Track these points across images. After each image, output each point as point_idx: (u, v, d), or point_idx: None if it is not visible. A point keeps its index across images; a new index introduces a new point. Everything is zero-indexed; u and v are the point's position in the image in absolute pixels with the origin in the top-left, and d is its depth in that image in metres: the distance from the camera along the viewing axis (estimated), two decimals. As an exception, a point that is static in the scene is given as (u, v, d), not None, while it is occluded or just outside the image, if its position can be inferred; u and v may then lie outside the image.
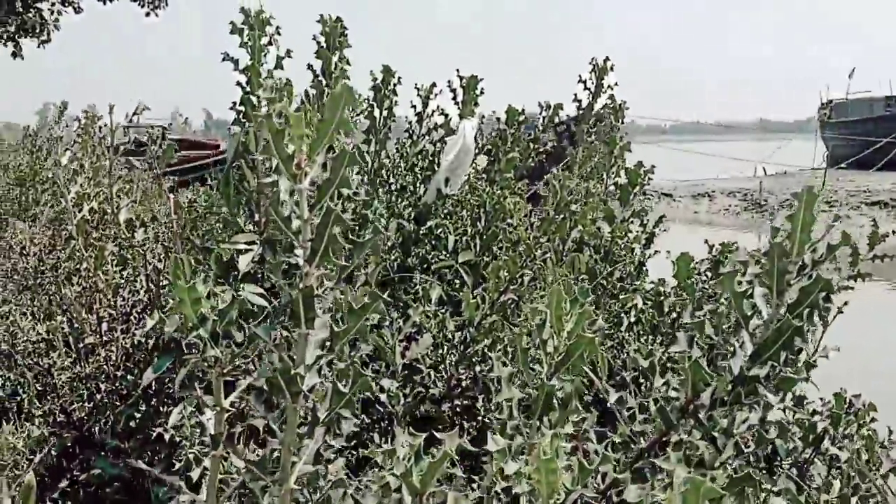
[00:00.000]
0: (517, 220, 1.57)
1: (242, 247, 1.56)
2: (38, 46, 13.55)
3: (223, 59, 1.64)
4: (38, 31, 13.25)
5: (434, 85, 2.17)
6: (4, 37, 13.39)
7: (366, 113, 2.01)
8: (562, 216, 1.71)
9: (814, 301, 0.88)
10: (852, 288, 2.19)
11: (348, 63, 1.91)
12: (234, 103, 1.69)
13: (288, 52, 1.69)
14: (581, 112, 3.13)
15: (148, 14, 14.24)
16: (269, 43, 1.62)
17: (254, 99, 1.63)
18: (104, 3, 13.54)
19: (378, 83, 2.10)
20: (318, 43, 1.90)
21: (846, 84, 28.57)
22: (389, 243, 1.79)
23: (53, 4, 13.11)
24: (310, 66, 1.96)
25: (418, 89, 2.20)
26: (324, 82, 1.92)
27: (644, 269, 2.12)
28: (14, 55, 13.50)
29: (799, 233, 0.81)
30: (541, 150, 2.63)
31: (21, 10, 12.67)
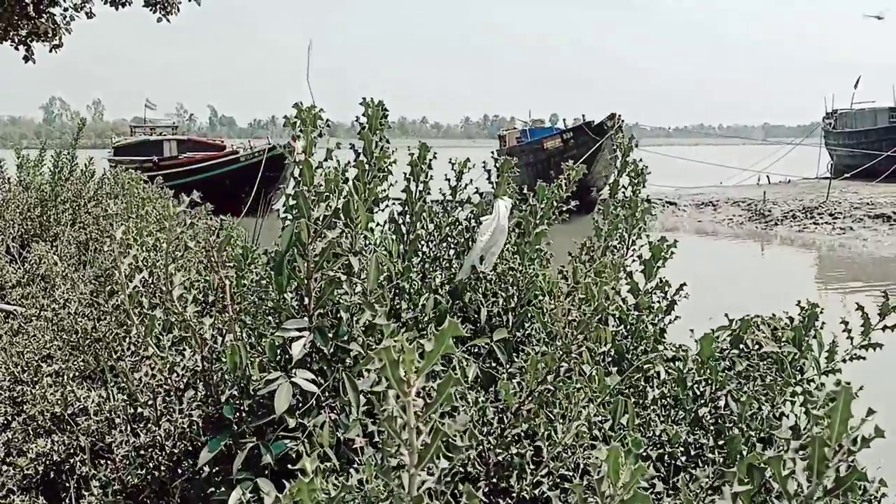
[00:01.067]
0: (556, 316, 1.65)
1: (294, 334, 1.65)
2: (50, 51, 13.62)
3: (273, 147, 1.72)
4: (50, 35, 13.30)
5: (468, 160, 2.27)
6: (16, 40, 13.45)
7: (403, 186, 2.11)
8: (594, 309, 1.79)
9: (849, 486, 0.96)
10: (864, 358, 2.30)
11: (388, 141, 2.01)
12: (288, 196, 1.78)
13: (338, 145, 1.78)
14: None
15: (160, 20, 14.27)
16: (320, 135, 1.71)
17: (306, 191, 1.71)
18: (116, 9, 13.64)
19: (415, 158, 2.20)
20: (361, 125, 1.99)
21: (851, 93, 28.71)
22: (426, 319, 1.89)
23: (66, 10, 13.16)
24: (352, 146, 2.05)
25: (452, 164, 2.29)
26: (366, 162, 2.01)
27: (665, 335, 2.20)
28: (26, 59, 13.57)
29: (837, 425, 0.88)
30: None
31: (34, 14, 12.72)
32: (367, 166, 2.02)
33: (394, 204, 2.20)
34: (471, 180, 2.30)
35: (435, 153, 2.19)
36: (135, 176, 6.10)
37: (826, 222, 17.77)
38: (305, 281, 1.72)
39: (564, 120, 28.36)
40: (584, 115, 31.63)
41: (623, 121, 23.38)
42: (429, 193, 2.20)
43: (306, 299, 1.72)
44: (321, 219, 1.72)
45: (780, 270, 14.89)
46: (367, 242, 1.87)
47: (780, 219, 18.94)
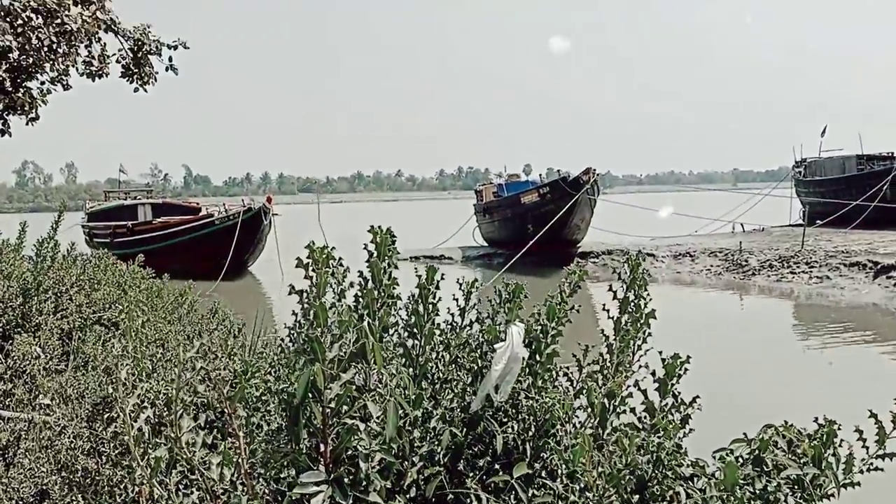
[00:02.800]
0: (585, 467, 1.61)
1: (313, 489, 1.59)
2: (27, 124, 13.54)
3: (290, 293, 1.70)
4: (26, 109, 13.25)
5: (476, 280, 2.25)
6: (-8, 114, 13.36)
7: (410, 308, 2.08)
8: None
9: None
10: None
11: (396, 267, 1.99)
12: (304, 342, 1.73)
13: (351, 284, 1.77)
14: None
15: (136, 90, 14.29)
16: (332, 274, 1.68)
17: (320, 333, 1.67)
18: (93, 80, 13.65)
19: (423, 281, 2.17)
20: (370, 252, 1.98)
21: (819, 142, 29.44)
22: (442, 451, 1.84)
23: (43, 83, 13.12)
24: (360, 273, 2.03)
25: (460, 284, 2.28)
26: (374, 289, 1.98)
27: (683, 451, 2.16)
28: (1, 133, 13.48)
29: None
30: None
31: (11, 89, 12.69)
32: (376, 295, 1.99)
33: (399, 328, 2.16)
34: (477, 294, 2.28)
35: (443, 275, 2.16)
36: (115, 264, 6.02)
37: (803, 271, 18.00)
38: (322, 429, 1.67)
39: (541, 176, 28.71)
40: (558, 170, 32.01)
41: (598, 174, 23.77)
42: (437, 314, 2.17)
43: (322, 446, 1.67)
44: (336, 361, 1.68)
45: (761, 321, 15.00)
46: (381, 377, 1.82)
47: (758, 268, 19.15)
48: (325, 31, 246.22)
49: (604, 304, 2.58)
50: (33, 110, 13.09)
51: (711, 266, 20.52)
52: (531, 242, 20.49)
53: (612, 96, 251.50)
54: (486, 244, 28.32)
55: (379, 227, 1.96)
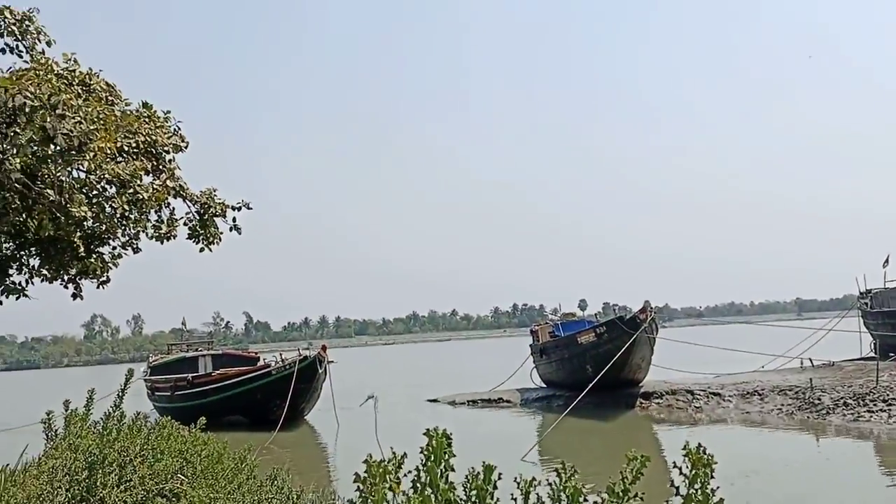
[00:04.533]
0: None
1: None
2: (98, 287, 14.13)
3: (354, 482, 1.70)
4: (98, 273, 13.86)
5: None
6: (65, 278, 14.01)
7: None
8: None
9: None
10: None
11: (453, 469, 1.96)
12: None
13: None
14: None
15: (202, 250, 14.89)
16: (389, 488, 1.68)
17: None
18: (161, 243, 14.31)
19: (480, 482, 2.14)
20: (426, 455, 1.96)
21: (882, 272, 28.73)
22: None
23: (115, 248, 13.80)
24: (417, 468, 2.01)
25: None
26: (431, 494, 1.96)
27: None
28: (74, 296, 14.06)
29: None
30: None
31: (84, 255, 13.35)
32: (432, 499, 1.96)
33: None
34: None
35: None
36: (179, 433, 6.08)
37: (881, 409, 17.09)
38: None
39: (598, 314, 28.50)
40: (614, 306, 31.76)
41: (655, 310, 23.49)
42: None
43: None
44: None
45: (842, 464, 14.13)
46: None
47: (832, 407, 18.26)
48: (380, 178, 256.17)
49: (675, 464, 2.49)
50: (104, 274, 13.75)
51: (782, 405, 19.66)
52: (591, 384, 20.05)
53: (667, 227, 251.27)
54: (544, 385, 27.81)
55: (435, 429, 1.96)
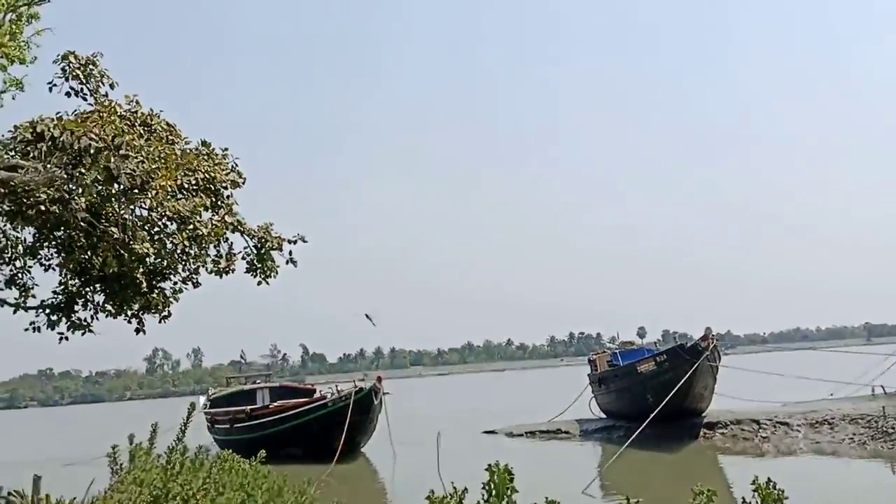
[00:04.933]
0: None
1: None
2: (160, 322, 14.40)
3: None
4: (160, 308, 14.15)
5: None
6: (128, 314, 14.33)
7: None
8: None
9: None
10: None
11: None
12: None
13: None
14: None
15: (259, 283, 15.09)
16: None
17: None
18: (220, 277, 14.57)
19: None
20: (488, 491, 1.90)
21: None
22: None
23: (175, 283, 14.08)
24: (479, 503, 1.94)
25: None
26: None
27: None
28: (137, 331, 14.37)
29: None
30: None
31: (146, 290, 13.65)
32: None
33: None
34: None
35: None
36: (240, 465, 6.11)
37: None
38: None
39: (657, 342, 27.93)
40: (674, 333, 31.08)
41: (717, 337, 22.90)
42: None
43: None
44: None
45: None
46: None
47: (909, 436, 17.44)
48: (430, 213, 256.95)
49: (744, 500, 2.37)
50: (166, 309, 14.05)
51: (854, 434, 18.86)
52: (652, 414, 19.57)
53: (731, 250, 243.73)
54: (604, 416, 27.28)
55: (496, 464, 1.90)
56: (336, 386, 25.72)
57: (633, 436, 18.79)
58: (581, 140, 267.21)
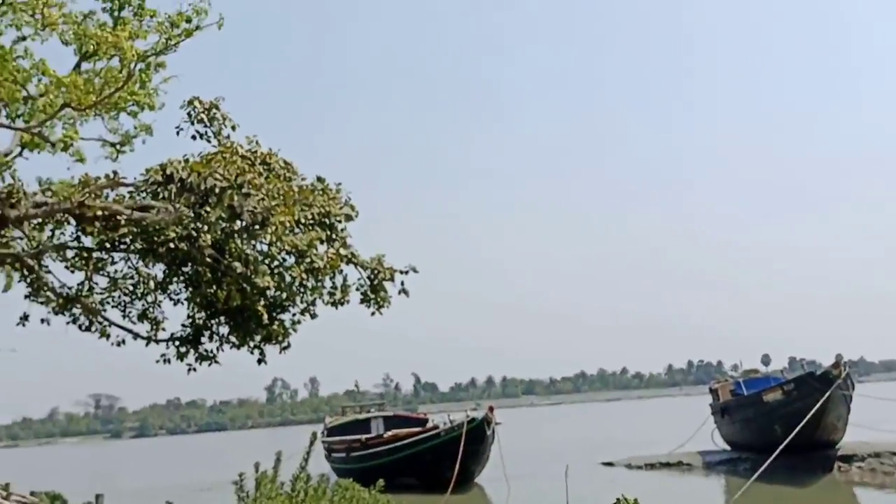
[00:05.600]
0: None
1: None
2: (280, 352, 14.89)
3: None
4: (279, 339, 14.64)
5: None
6: (250, 345, 14.89)
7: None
8: None
9: None
10: None
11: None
12: None
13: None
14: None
15: (373, 314, 15.36)
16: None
17: None
18: (336, 308, 14.92)
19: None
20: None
21: None
22: None
23: (294, 315, 14.55)
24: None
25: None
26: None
27: None
28: (259, 362, 14.89)
29: None
30: None
31: (267, 322, 14.15)
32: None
33: None
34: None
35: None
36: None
37: None
38: None
39: (783, 371, 26.61)
40: (801, 360, 29.48)
41: (849, 365, 21.57)
42: None
43: None
44: None
45: None
46: None
47: None
48: (539, 239, 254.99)
49: None
50: (286, 339, 14.53)
51: None
52: (781, 446, 18.53)
53: (861, 269, 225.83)
54: (727, 448, 26.05)
55: (624, 498, 1.80)
56: (448, 416, 25.76)
57: (761, 469, 17.82)
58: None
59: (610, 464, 26.62)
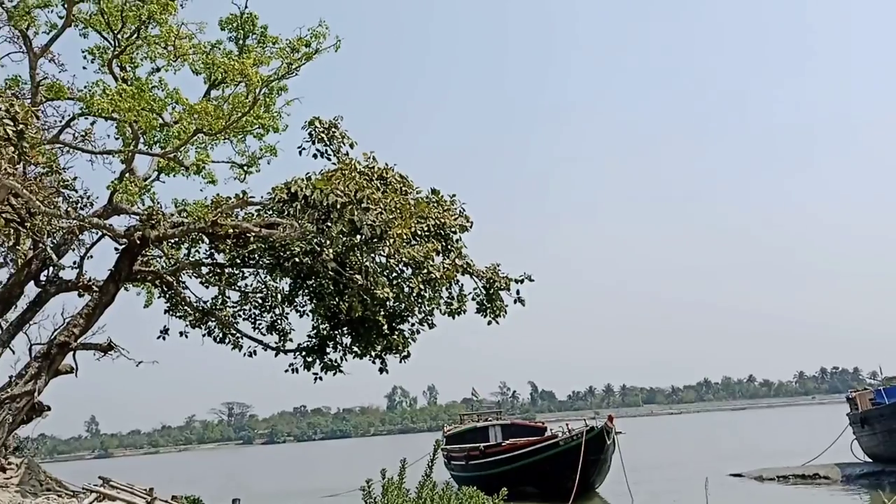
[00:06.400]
0: None
1: None
2: (400, 362, 15.22)
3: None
4: (400, 348, 14.98)
5: None
6: (372, 354, 15.32)
7: None
8: None
9: None
10: None
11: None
12: None
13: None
14: None
15: (489, 323, 15.45)
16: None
17: None
18: (453, 318, 15.12)
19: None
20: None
21: None
22: None
23: (413, 325, 14.86)
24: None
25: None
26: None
27: None
28: (381, 370, 15.29)
29: None
30: None
31: (387, 332, 14.52)
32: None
33: None
34: None
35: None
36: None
37: None
38: None
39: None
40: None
41: None
42: None
43: None
44: None
45: None
46: None
47: None
48: (656, 244, 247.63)
49: None
50: (405, 349, 14.89)
51: None
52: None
53: None
54: (868, 460, 24.45)
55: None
56: (567, 425, 25.45)
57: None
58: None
59: (739, 475, 25.55)
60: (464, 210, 14.98)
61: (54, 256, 13.25)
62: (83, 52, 13.66)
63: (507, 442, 26.55)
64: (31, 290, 13.90)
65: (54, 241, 13.58)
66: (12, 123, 10.22)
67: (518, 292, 14.90)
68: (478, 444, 26.92)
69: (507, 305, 15.14)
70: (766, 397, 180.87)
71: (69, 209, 13.39)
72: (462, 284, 14.83)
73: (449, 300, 14.75)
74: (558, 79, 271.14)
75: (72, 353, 13.44)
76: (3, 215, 13.24)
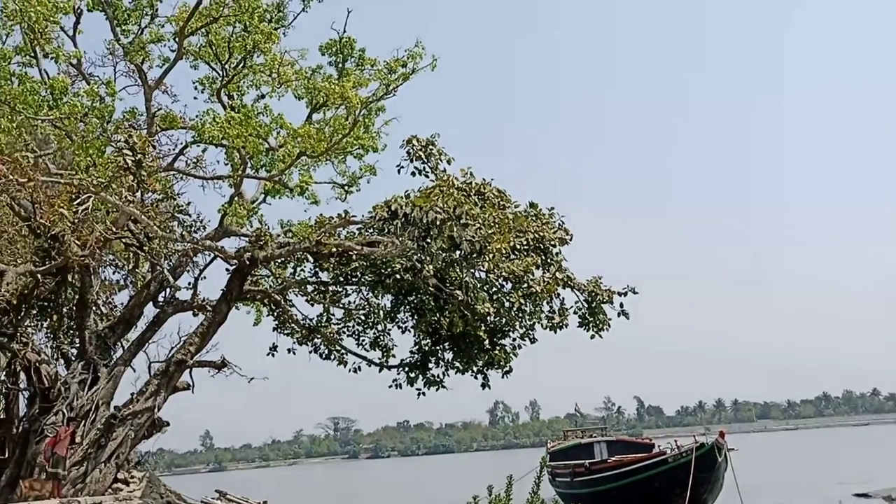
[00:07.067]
0: None
1: None
2: (502, 377, 15.15)
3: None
4: (501, 363, 14.92)
5: None
6: (474, 370, 15.30)
7: None
8: None
9: None
10: None
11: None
12: None
13: None
14: None
15: (592, 337, 15.21)
16: None
17: None
18: (554, 332, 14.94)
19: None
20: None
21: None
22: None
23: (514, 339, 14.79)
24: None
25: None
26: None
27: None
28: (483, 386, 15.26)
29: None
30: None
31: (489, 347, 14.51)
32: None
33: None
34: None
35: None
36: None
37: None
38: None
39: None
40: None
41: None
42: None
43: None
44: None
45: None
46: None
47: None
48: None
49: None
50: (507, 364, 14.82)
51: None
52: None
53: None
54: None
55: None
56: (675, 441, 24.65)
57: None
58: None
59: (865, 495, 24.06)
60: (563, 223, 14.82)
61: (171, 278, 13.95)
62: (194, 82, 14.41)
63: (613, 458, 25.95)
64: (149, 310, 14.71)
65: (170, 263, 14.30)
66: (131, 153, 10.86)
67: (622, 305, 14.59)
68: (583, 461, 26.44)
69: (610, 319, 14.85)
70: (893, 412, 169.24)
71: (184, 233, 14.09)
72: (563, 298, 14.65)
73: (550, 314, 14.61)
74: (662, 82, 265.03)
75: (188, 370, 14.07)
76: (124, 240, 14.09)
